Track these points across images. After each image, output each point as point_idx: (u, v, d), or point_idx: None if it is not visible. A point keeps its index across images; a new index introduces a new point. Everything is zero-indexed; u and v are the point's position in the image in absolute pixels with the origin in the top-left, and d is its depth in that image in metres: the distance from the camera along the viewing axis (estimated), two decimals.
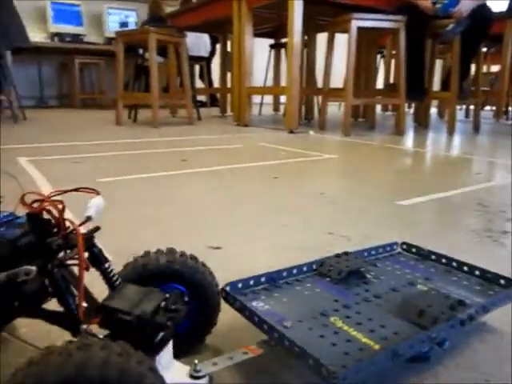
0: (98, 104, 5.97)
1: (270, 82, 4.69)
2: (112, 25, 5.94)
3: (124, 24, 5.99)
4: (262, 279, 0.55)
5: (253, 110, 3.68)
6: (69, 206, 0.44)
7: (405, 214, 1.04)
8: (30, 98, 5.32)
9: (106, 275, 0.45)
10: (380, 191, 1.28)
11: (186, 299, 0.47)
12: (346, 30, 2.67)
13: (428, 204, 1.14)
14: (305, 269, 0.59)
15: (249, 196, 1.20)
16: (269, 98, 5.03)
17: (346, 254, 0.61)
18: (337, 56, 2.96)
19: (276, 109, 4.81)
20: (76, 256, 0.40)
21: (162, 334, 0.38)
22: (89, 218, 0.44)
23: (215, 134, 2.78)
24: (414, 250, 0.67)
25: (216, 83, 5.89)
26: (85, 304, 0.42)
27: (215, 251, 0.78)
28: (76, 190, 0.45)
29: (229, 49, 4.32)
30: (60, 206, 0.41)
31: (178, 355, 0.41)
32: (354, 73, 2.66)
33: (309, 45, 3.64)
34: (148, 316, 0.38)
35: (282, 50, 4.50)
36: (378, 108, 4.55)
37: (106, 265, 0.45)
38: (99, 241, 0.81)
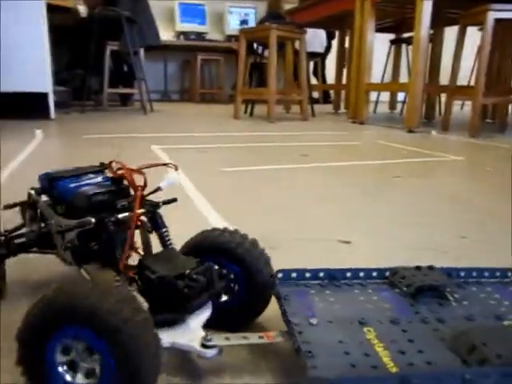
0: (215, 99, 6.26)
1: (386, 79, 4.52)
2: (233, 23, 6.19)
3: (244, 22, 6.19)
4: (321, 274, 0.52)
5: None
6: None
7: None
8: (155, 91, 5.76)
9: (162, 239, 0.52)
10: None
11: (226, 275, 0.49)
12: (479, 23, 2.47)
13: None
14: (374, 274, 0.53)
15: (374, 193, 1.17)
16: (385, 96, 4.85)
17: (430, 268, 0.53)
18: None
19: (392, 107, 4.62)
20: (141, 218, 0.49)
21: (189, 299, 0.43)
22: (158, 189, 0.51)
23: (331, 130, 2.75)
24: None
25: (329, 79, 5.85)
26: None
27: (344, 245, 0.78)
28: (163, 164, 0.55)
29: (346, 44, 4.25)
30: (139, 176, 0.49)
31: (225, 329, 0.45)
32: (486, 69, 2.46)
33: (434, 39, 3.43)
34: (169, 279, 0.42)
35: (403, 46, 4.31)
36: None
37: (163, 229, 0.52)
38: (229, 226, 0.84)
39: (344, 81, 4.33)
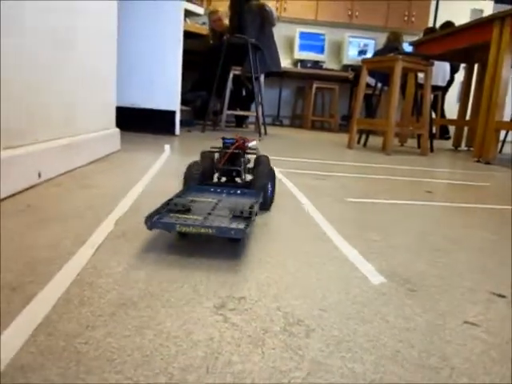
0: (324, 127, 6.27)
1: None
2: (351, 53, 6.19)
3: (362, 52, 6.17)
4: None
5: None
6: None
7: None
8: (268, 115, 5.93)
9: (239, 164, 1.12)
10: None
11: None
12: None
13: None
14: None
15: None
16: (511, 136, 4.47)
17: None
18: None
19: None
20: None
21: None
22: (247, 146, 1.14)
23: (454, 168, 2.58)
24: None
25: (447, 114, 5.54)
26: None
27: (499, 300, 0.69)
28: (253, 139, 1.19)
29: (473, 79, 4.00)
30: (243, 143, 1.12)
31: None
32: None
33: None
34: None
35: None
36: None
37: (242, 159, 1.12)
38: (376, 263, 0.79)
39: (467, 117, 4.08)
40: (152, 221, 0.72)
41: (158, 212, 0.76)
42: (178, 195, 0.91)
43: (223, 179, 1.14)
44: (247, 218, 0.78)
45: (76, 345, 0.45)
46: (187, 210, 0.80)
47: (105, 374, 0.41)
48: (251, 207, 0.83)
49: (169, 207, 0.80)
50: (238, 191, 0.99)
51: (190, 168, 1.06)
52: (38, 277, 0.61)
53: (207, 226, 0.71)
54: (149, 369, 0.42)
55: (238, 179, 1.13)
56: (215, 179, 1.15)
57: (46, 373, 0.41)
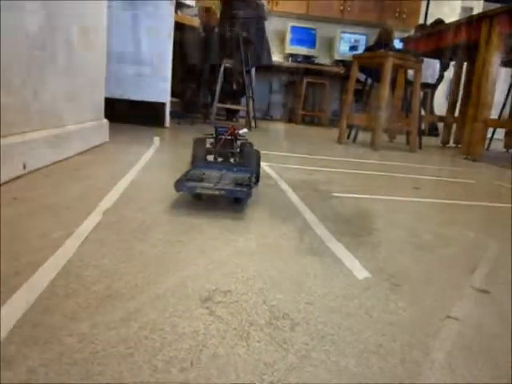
0: (315, 122, 6.28)
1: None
2: (342, 48, 6.19)
3: (353, 48, 6.16)
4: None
5: None
6: None
7: None
8: (258, 110, 5.91)
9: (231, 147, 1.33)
10: None
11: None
12: None
13: None
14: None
15: (504, 239, 1.07)
16: (500, 134, 4.52)
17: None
18: None
19: (508, 145, 4.28)
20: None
21: None
22: (238, 133, 1.34)
23: (441, 165, 2.61)
24: None
25: (436, 111, 5.58)
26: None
27: (482, 295, 0.71)
28: (245, 128, 1.45)
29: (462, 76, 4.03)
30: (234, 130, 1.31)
31: None
32: None
33: None
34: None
35: None
36: None
37: (236, 144, 1.33)
38: (361, 258, 0.79)
39: (456, 114, 4.11)
40: (179, 185, 0.98)
41: (180, 180, 1.01)
42: (190, 170, 1.16)
43: (219, 160, 1.34)
44: (247, 185, 1.03)
45: (60, 337, 0.45)
46: (201, 180, 1.05)
47: (88, 365, 0.41)
48: (249, 178, 1.10)
49: (187, 177, 1.06)
50: (235, 168, 1.22)
51: (196, 149, 1.29)
52: (24, 268, 0.61)
53: (219, 189, 0.98)
54: (133, 361, 0.43)
55: (231, 160, 1.33)
56: (211, 159, 1.35)
57: (29, 363, 0.40)
